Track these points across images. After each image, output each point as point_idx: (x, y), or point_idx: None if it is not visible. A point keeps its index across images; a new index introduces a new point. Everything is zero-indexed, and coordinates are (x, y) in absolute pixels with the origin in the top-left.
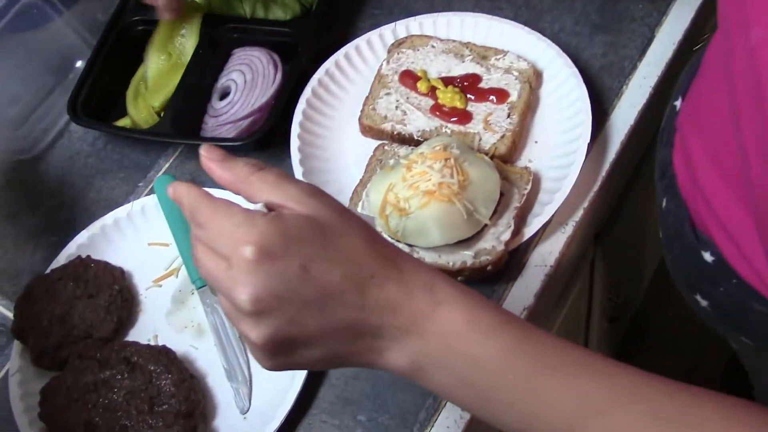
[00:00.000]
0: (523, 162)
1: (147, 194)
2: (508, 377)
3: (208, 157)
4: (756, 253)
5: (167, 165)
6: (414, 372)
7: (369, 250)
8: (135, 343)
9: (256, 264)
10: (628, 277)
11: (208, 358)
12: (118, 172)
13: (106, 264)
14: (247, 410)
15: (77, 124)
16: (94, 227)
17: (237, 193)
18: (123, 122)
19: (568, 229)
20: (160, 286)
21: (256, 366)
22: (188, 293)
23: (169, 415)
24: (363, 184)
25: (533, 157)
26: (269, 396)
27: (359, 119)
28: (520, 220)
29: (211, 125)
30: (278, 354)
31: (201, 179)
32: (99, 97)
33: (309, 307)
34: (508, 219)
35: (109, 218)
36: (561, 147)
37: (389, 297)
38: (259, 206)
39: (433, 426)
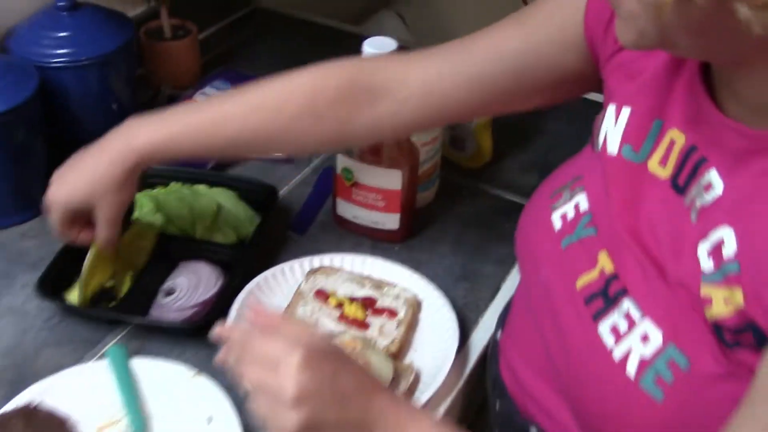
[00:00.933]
0: (407, 362)
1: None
2: None
3: (255, 312)
4: (571, 426)
5: (114, 341)
6: None
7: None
8: None
9: (303, 367)
10: None
11: None
12: (68, 344)
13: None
14: None
15: (45, 300)
16: (44, 383)
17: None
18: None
19: (439, 413)
20: None
21: None
22: None
23: None
24: None
25: (415, 360)
26: None
27: None
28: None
29: (156, 316)
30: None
31: (142, 355)
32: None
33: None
34: None
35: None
36: (435, 354)
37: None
38: None
39: None
